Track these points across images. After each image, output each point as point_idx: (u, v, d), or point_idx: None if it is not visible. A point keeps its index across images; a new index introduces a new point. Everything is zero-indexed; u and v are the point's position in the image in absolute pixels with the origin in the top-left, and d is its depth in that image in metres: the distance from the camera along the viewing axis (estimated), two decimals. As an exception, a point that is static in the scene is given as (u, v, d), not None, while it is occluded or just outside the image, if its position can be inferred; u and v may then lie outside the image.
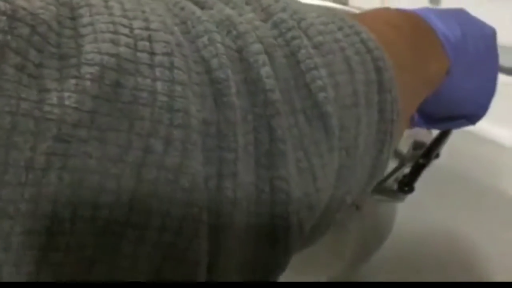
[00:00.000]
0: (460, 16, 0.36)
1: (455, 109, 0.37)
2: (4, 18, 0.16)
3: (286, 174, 0.21)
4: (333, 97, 0.23)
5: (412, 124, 0.39)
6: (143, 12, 0.20)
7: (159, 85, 0.18)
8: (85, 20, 0.19)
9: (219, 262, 0.20)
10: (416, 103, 0.33)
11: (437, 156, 0.46)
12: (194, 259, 0.19)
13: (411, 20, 0.32)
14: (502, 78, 0.42)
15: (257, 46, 0.22)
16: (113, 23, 0.19)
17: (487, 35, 0.36)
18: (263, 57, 0.21)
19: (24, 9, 0.17)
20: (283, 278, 0.24)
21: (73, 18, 0.19)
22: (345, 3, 0.69)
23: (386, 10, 0.33)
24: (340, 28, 0.25)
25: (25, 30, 0.17)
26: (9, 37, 0.16)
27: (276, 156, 0.21)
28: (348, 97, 0.24)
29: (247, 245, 0.21)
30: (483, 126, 0.57)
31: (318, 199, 0.23)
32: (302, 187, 0.22)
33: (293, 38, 0.23)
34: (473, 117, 0.39)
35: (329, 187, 0.24)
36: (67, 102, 0.17)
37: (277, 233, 0.21)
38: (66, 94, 0.17)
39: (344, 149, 0.24)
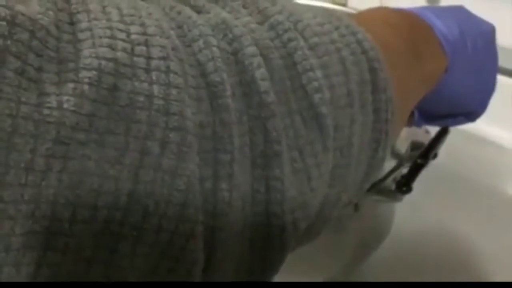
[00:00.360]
0: (458, 13, 0.36)
1: (454, 107, 0.38)
2: (4, 23, 0.17)
3: (281, 174, 0.21)
4: (328, 98, 0.23)
5: (411, 122, 0.39)
6: (140, 17, 0.20)
7: (155, 89, 0.19)
8: (83, 25, 0.19)
9: (216, 261, 0.21)
10: (414, 101, 0.33)
11: (435, 156, 0.46)
12: (190, 258, 0.19)
13: (408, 19, 0.33)
14: (501, 79, 0.42)
15: (252, 49, 0.22)
16: (111, 28, 0.19)
17: (486, 32, 0.37)
18: (258, 59, 0.22)
19: (23, 14, 0.17)
20: (282, 278, 0.24)
21: (71, 23, 0.19)
22: (344, 4, 0.69)
23: (384, 9, 0.33)
24: (336, 28, 0.26)
25: (25, 35, 0.17)
26: (9, 42, 0.17)
27: (271, 156, 0.21)
28: (343, 98, 0.24)
29: (243, 244, 0.22)
30: (483, 127, 0.58)
31: (313, 198, 0.23)
32: (297, 186, 0.22)
33: (290, 39, 0.23)
34: (473, 114, 0.39)
35: (324, 186, 0.24)
36: (65, 106, 0.17)
37: (272, 232, 0.22)
38: (65, 97, 0.17)
39: (339, 149, 0.24)
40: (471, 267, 0.49)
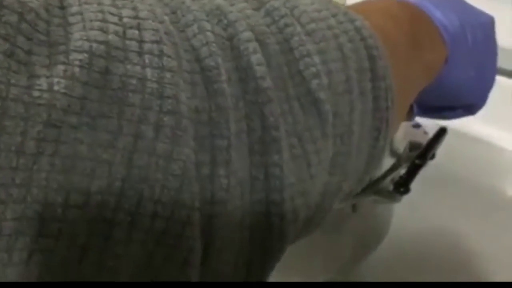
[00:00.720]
0: (457, 5, 0.36)
1: (454, 98, 0.37)
2: None
3: (280, 160, 0.21)
4: (326, 84, 0.23)
5: (411, 116, 0.39)
6: (132, 1, 0.20)
7: (148, 72, 0.19)
8: (74, 9, 0.19)
9: (214, 250, 0.20)
10: (414, 92, 0.33)
11: (433, 156, 0.46)
12: (187, 245, 0.19)
13: (408, 9, 0.33)
14: (501, 80, 0.42)
15: (247, 34, 0.22)
16: (102, 12, 0.19)
17: (485, 24, 0.36)
18: (253, 45, 0.21)
19: None
20: (282, 278, 0.24)
21: (62, 7, 0.19)
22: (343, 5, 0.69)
23: (383, 0, 0.33)
24: (334, 15, 0.25)
25: (13, 17, 0.17)
26: None
27: (269, 142, 0.21)
28: (341, 84, 0.24)
29: (242, 233, 0.21)
30: (482, 127, 0.58)
31: (312, 185, 0.23)
32: (296, 173, 0.22)
33: (286, 25, 0.23)
34: (473, 107, 0.39)
35: (324, 174, 0.24)
36: (56, 88, 0.17)
37: (272, 221, 0.22)
38: (56, 80, 0.17)
39: (339, 135, 0.24)
40: (470, 267, 0.49)
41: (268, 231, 0.22)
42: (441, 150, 0.47)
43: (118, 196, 0.18)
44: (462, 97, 0.37)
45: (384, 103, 0.26)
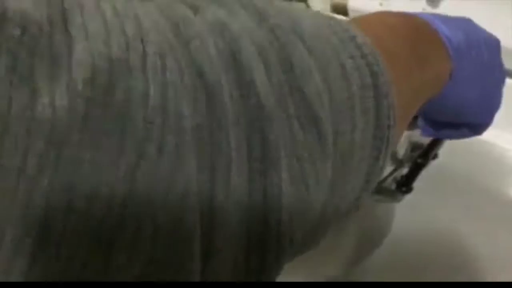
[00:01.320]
0: (463, 22, 0.36)
1: (457, 115, 0.37)
2: None
3: (279, 180, 0.21)
4: (327, 102, 0.23)
5: (412, 125, 0.39)
6: (135, 14, 0.20)
7: (151, 87, 0.18)
8: (77, 21, 0.18)
9: (212, 267, 0.20)
10: (417, 105, 0.32)
11: (435, 156, 0.46)
12: (189, 265, 0.19)
13: (411, 22, 0.32)
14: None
15: (250, 50, 0.21)
16: (105, 24, 0.19)
17: (491, 44, 0.36)
18: (256, 61, 0.21)
19: (14, 10, 0.17)
20: (282, 278, 0.24)
21: (64, 20, 0.18)
22: (345, 5, 0.69)
23: (385, 12, 0.33)
24: (334, 33, 0.25)
25: (16, 31, 0.17)
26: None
27: (268, 162, 0.21)
28: (343, 102, 0.24)
29: (239, 250, 0.21)
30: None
31: (311, 205, 0.23)
32: (295, 193, 0.22)
33: (288, 42, 0.23)
34: (478, 127, 0.39)
35: (322, 194, 0.23)
36: (58, 103, 0.16)
37: (269, 240, 0.21)
38: (58, 95, 0.16)
39: (339, 155, 0.23)
40: (470, 267, 0.49)
41: (265, 249, 0.21)
42: (442, 150, 0.47)
43: (120, 215, 0.17)
44: (465, 114, 0.37)
45: (386, 121, 0.26)
